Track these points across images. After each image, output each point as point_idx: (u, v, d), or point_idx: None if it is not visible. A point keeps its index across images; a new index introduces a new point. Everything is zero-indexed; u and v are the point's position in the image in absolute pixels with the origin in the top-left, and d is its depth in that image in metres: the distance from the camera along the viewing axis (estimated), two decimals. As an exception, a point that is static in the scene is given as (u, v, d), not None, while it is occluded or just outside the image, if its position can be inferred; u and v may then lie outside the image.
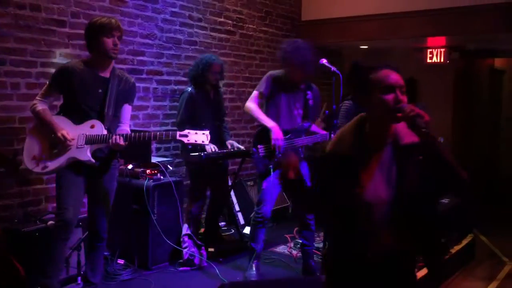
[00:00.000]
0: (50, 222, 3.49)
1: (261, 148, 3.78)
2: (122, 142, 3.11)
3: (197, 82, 4.34)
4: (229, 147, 4.44)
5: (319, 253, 4.27)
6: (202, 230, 4.72)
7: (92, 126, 3.17)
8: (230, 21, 5.74)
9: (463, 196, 1.89)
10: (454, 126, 6.73)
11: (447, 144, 5.43)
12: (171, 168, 4.41)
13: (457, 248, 4.57)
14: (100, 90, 3.21)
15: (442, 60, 6.47)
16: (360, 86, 1.88)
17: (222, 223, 5.29)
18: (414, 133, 1.75)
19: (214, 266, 4.12)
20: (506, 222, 6.02)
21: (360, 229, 1.85)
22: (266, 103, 3.87)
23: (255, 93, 3.87)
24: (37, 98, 3.26)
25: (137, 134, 3.20)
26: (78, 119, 3.19)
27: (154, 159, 4.39)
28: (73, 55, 4.14)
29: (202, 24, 5.40)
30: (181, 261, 4.17)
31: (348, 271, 1.94)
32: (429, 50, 6.52)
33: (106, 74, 3.25)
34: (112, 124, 3.29)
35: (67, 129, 3.14)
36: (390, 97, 1.79)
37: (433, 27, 5.77)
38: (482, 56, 6.97)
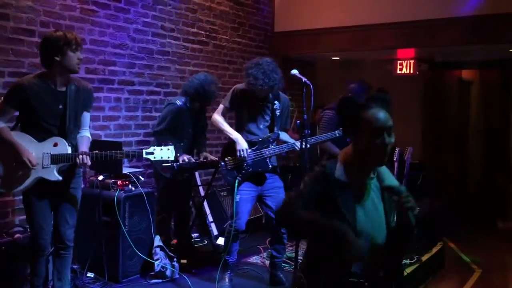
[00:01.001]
0: (17, 235, 3.41)
1: (228, 160, 3.83)
2: (89, 162, 3.10)
3: (192, 97, 4.33)
4: (201, 158, 4.43)
5: (291, 262, 4.27)
6: (174, 241, 4.68)
7: (55, 145, 3.10)
8: (203, 32, 5.75)
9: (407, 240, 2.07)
10: (423, 136, 6.87)
11: (416, 153, 5.53)
12: (142, 179, 4.36)
13: (427, 256, 4.64)
14: (60, 106, 3.12)
15: (411, 72, 6.60)
16: (350, 121, 1.96)
17: (195, 234, 5.25)
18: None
19: (186, 278, 4.07)
20: (473, 231, 6.15)
21: (343, 255, 1.89)
22: (235, 115, 3.94)
23: (220, 106, 3.97)
24: None
25: (103, 153, 3.16)
26: (39, 136, 3.10)
27: (125, 170, 4.33)
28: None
29: (175, 34, 5.39)
30: (152, 273, 4.12)
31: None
32: (398, 62, 6.64)
33: (63, 87, 3.14)
34: (73, 135, 3.23)
35: (30, 148, 3.06)
36: (378, 141, 1.89)
37: (402, 39, 5.91)
38: (450, 67, 7.14)
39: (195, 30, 5.64)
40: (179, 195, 4.56)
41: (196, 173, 4.96)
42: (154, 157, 3.18)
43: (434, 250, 4.79)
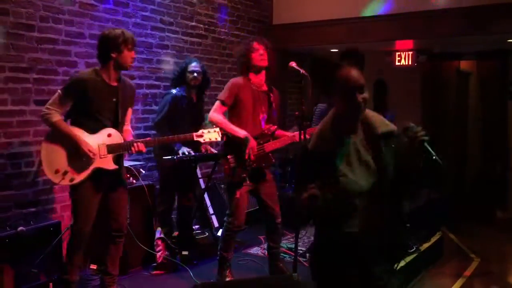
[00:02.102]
0: (20, 228, 3.45)
1: (230, 158, 3.72)
2: (144, 149, 3.32)
3: (177, 82, 4.44)
4: (203, 150, 4.47)
5: (292, 253, 4.32)
6: (175, 233, 4.73)
7: (109, 135, 3.30)
8: (201, 25, 5.77)
9: (415, 183, 2.08)
10: (423, 126, 6.88)
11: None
12: (143, 172, 4.41)
13: (426, 245, 4.70)
14: (114, 99, 3.31)
15: (410, 63, 6.63)
16: (326, 81, 2.05)
17: (196, 226, 5.30)
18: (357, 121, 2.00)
19: (188, 269, 4.13)
20: (473, 220, 6.21)
21: (342, 212, 2.00)
22: (231, 110, 3.79)
23: (217, 103, 3.78)
24: (48, 107, 3.25)
25: (156, 139, 3.47)
26: (92, 129, 3.27)
27: (126, 163, 4.37)
28: (42, 59, 4.11)
29: (174, 28, 5.41)
30: (154, 264, 4.18)
31: (333, 252, 2.07)
32: (397, 53, 6.67)
33: (114, 82, 3.34)
34: (121, 127, 3.42)
35: (86, 139, 3.24)
36: (352, 99, 1.95)
37: (400, 31, 5.92)
38: (448, 58, 7.16)
39: (193, 23, 5.66)
40: (181, 188, 4.61)
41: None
42: (204, 139, 3.34)
43: (433, 240, 4.84)
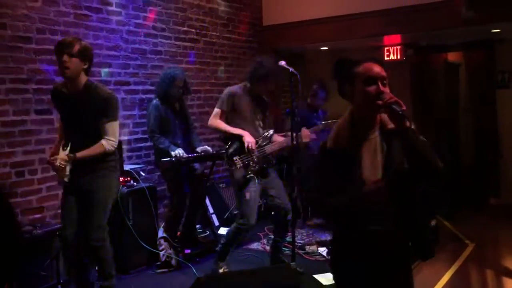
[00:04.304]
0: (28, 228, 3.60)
1: (237, 159, 3.86)
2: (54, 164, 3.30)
3: (165, 95, 4.51)
4: (201, 152, 4.58)
5: (290, 246, 4.44)
6: (178, 233, 4.85)
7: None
8: (193, 30, 5.91)
9: (434, 184, 2.03)
10: (413, 119, 7.02)
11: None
12: (143, 174, 4.54)
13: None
14: (70, 109, 3.36)
15: (398, 57, 6.77)
16: (345, 78, 2.02)
17: (197, 226, 5.42)
18: (392, 120, 1.92)
19: (191, 266, 4.26)
20: (467, 207, 6.35)
21: (360, 212, 1.98)
22: (230, 118, 3.97)
23: (216, 110, 3.99)
24: None
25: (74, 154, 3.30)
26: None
27: (126, 167, 4.51)
28: (40, 70, 4.24)
29: (166, 33, 5.55)
30: (158, 263, 4.30)
31: (351, 254, 2.05)
32: (386, 48, 6.80)
33: (73, 92, 3.34)
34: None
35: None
36: (372, 88, 1.94)
37: (387, 26, 6.05)
38: (435, 51, 7.30)
39: (185, 28, 5.80)
40: (190, 190, 4.70)
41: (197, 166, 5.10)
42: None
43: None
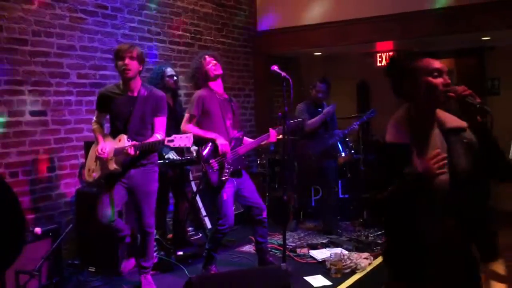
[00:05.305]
0: (36, 229, 3.63)
1: (213, 162, 3.90)
2: (132, 152, 3.50)
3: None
4: (194, 154, 4.63)
5: (281, 248, 4.49)
6: (170, 236, 4.89)
7: (119, 140, 3.62)
8: (188, 34, 5.97)
9: (508, 180, 1.94)
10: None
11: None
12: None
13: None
14: (130, 109, 3.64)
15: (391, 63, 6.84)
16: (405, 73, 1.92)
17: (190, 228, 5.46)
18: (466, 113, 1.83)
19: (184, 268, 4.30)
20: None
21: (420, 214, 1.89)
22: (202, 121, 4.00)
23: (187, 115, 4.00)
24: (93, 118, 3.85)
25: (140, 143, 3.56)
26: (112, 135, 3.74)
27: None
28: (36, 72, 4.28)
29: (161, 37, 5.60)
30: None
31: (410, 260, 1.96)
32: (378, 54, 6.90)
33: (133, 93, 3.67)
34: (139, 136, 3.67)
35: (107, 145, 3.65)
36: (438, 80, 1.85)
37: (380, 33, 6.14)
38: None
39: (180, 32, 5.86)
40: (175, 191, 4.77)
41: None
42: (174, 144, 3.50)
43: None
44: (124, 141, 3.57)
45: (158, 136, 3.64)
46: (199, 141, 3.98)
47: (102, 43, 4.90)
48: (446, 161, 1.83)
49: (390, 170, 1.92)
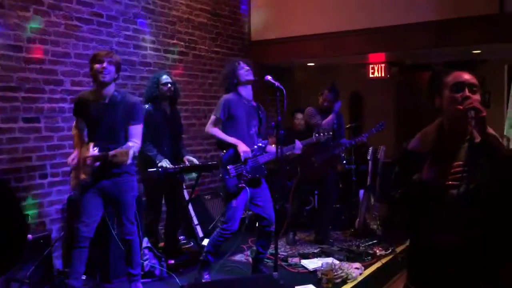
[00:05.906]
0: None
1: (231, 168, 3.92)
2: (89, 162, 3.44)
3: (152, 97, 4.56)
4: (187, 162, 4.64)
5: (272, 257, 4.50)
6: (161, 244, 4.88)
7: (87, 148, 3.50)
8: (182, 43, 6.00)
9: None
10: (397, 136, 7.19)
11: (389, 152, 5.83)
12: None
13: (401, 247, 4.93)
14: (101, 115, 3.59)
15: (383, 75, 6.93)
16: (436, 90, 2.00)
17: (182, 237, 5.46)
18: (475, 128, 1.84)
19: (175, 276, 4.29)
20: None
21: (434, 222, 1.92)
22: (227, 125, 4.03)
23: (213, 117, 4.04)
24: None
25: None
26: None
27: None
28: (30, 78, 4.29)
29: (155, 46, 5.63)
30: (142, 273, 4.31)
31: (428, 266, 1.97)
32: (371, 66, 6.97)
33: (106, 100, 3.60)
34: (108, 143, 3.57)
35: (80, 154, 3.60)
36: (458, 94, 1.89)
37: (373, 44, 6.22)
38: (419, 69, 7.48)
39: (174, 41, 5.89)
40: (167, 199, 4.77)
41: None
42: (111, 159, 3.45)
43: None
44: (89, 150, 3.46)
45: (131, 144, 3.55)
46: (222, 145, 4.02)
47: (97, 51, 4.89)
48: (464, 174, 1.85)
49: (405, 175, 2.01)
